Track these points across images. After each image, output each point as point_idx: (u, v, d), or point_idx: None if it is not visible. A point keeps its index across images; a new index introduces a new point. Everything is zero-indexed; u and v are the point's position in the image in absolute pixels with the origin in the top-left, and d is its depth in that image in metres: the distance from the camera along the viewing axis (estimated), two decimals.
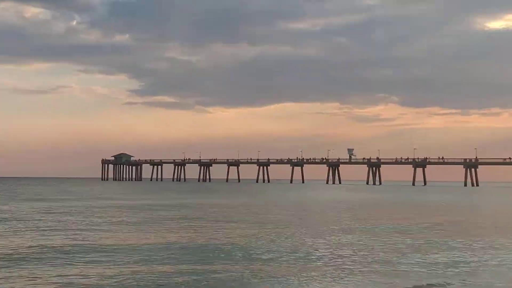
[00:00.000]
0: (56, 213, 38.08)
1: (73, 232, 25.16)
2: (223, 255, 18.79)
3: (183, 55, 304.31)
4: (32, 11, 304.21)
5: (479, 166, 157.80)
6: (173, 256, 18.47)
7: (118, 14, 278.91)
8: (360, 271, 16.10)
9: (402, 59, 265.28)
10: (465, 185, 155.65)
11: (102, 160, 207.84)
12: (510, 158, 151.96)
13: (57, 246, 20.28)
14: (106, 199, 62.57)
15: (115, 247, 20.42)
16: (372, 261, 18.00)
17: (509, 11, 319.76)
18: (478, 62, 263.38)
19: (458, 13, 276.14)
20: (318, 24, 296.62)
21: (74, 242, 21.76)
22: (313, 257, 18.67)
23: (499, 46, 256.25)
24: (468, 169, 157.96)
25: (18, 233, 24.83)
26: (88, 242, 21.67)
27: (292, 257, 18.43)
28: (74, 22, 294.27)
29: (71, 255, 18.35)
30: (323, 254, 19.42)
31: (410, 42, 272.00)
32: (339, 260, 18.11)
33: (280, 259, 18.10)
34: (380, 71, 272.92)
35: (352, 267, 16.67)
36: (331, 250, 20.49)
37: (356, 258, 18.48)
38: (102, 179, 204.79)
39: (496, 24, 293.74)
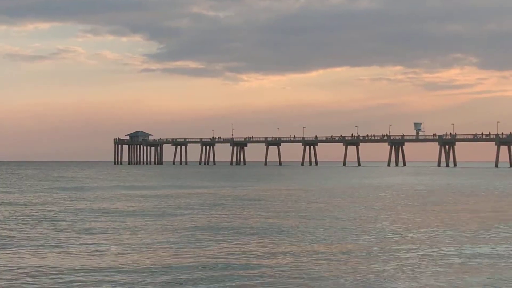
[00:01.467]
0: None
1: None
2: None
3: (210, 10, 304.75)
4: None
5: None
6: None
7: None
8: None
9: (480, 11, 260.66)
10: None
11: (115, 139, 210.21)
12: None
13: None
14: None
15: None
16: None
17: None
18: None
19: None
20: None
21: None
22: None
23: None
24: None
25: None
26: None
27: None
28: None
29: None
30: None
31: None
32: None
33: None
34: (453, 26, 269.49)
35: None
36: None
37: None
38: (115, 163, 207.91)
39: None
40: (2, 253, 19.74)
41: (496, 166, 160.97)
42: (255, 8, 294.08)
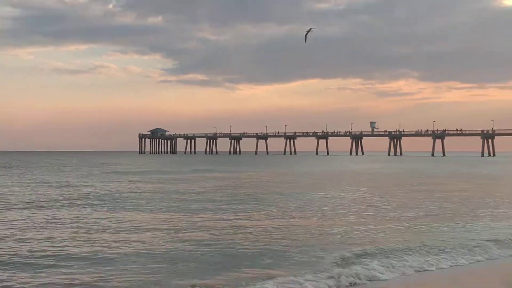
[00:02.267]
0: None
1: None
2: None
3: (212, 35, 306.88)
4: None
5: (495, 137, 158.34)
6: None
7: None
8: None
9: (421, 36, 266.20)
10: (482, 155, 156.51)
11: (139, 134, 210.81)
12: None
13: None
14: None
15: None
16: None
17: None
18: (494, 38, 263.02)
19: None
20: (341, 4, 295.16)
21: None
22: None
23: None
24: (485, 140, 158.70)
25: None
26: None
27: None
28: (111, 5, 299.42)
29: None
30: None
31: (429, 19, 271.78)
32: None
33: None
34: (400, 48, 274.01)
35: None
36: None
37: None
38: (139, 153, 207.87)
39: None
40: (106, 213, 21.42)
41: (432, 155, 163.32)
42: (247, 34, 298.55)
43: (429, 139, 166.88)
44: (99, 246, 14.21)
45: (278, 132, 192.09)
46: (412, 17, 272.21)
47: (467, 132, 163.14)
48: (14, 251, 13.58)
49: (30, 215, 20.93)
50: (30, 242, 14.78)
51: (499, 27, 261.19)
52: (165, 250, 13.85)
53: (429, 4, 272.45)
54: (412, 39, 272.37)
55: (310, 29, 49.55)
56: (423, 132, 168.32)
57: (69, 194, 30.88)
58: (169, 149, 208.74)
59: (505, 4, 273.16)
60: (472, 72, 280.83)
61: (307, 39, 49.76)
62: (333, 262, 12.41)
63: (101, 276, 11.15)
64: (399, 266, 12.30)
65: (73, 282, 10.78)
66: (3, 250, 13.77)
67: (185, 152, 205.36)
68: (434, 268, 12.52)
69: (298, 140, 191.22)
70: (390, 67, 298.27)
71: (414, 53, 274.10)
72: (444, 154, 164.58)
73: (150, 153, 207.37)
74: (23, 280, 10.87)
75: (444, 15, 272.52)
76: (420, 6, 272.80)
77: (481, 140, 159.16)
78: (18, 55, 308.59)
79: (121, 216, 20.77)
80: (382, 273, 11.68)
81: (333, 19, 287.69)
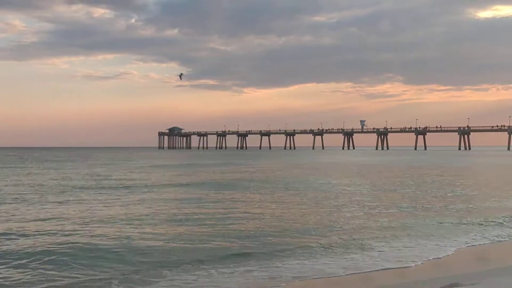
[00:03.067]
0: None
1: None
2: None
3: (221, 46, 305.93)
4: (99, 12, 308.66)
5: (471, 133, 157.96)
6: None
7: (168, 13, 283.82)
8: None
9: (404, 44, 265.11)
10: (459, 149, 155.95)
11: (159, 132, 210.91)
12: (497, 126, 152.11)
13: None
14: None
15: None
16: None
17: (496, 3, 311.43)
18: (469, 46, 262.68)
19: (452, 5, 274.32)
20: (333, 17, 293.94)
21: None
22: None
23: (487, 32, 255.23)
24: (462, 136, 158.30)
25: None
26: None
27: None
28: (133, 20, 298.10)
29: None
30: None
31: (411, 30, 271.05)
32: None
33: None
34: (386, 55, 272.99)
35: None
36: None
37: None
38: (159, 148, 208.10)
39: (485, 14, 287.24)
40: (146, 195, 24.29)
41: (415, 149, 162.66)
42: (251, 44, 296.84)
43: (412, 135, 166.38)
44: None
45: (280, 129, 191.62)
46: (395, 28, 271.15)
47: (445, 129, 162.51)
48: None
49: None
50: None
51: (473, 37, 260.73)
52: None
53: (410, 17, 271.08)
54: (396, 47, 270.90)
55: (181, 74, 53.19)
56: (406, 129, 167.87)
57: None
58: (184, 145, 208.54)
59: (478, 16, 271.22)
60: (450, 76, 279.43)
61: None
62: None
63: None
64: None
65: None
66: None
67: (198, 148, 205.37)
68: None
69: (297, 137, 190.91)
70: (377, 72, 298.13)
71: (398, 60, 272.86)
72: (425, 148, 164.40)
73: (168, 148, 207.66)
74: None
75: (424, 26, 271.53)
76: (402, 18, 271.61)
77: (458, 136, 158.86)
78: (55, 64, 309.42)
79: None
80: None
81: (326, 31, 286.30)
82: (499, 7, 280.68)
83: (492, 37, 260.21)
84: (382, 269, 10.07)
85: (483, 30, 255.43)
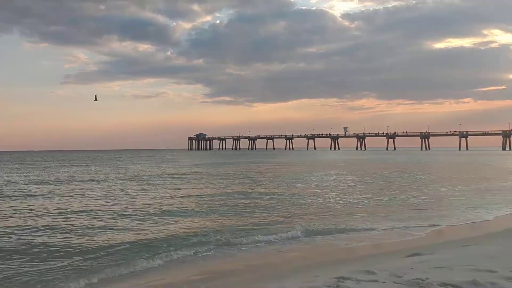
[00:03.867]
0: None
1: None
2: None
3: (236, 71, 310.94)
4: (143, 47, 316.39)
5: (430, 137, 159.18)
6: None
7: (195, 47, 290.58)
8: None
9: (377, 69, 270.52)
10: (421, 149, 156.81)
11: (188, 137, 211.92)
12: (450, 131, 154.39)
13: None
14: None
15: None
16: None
17: (448, 36, 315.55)
18: (428, 70, 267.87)
19: (413, 38, 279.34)
20: (322, 49, 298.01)
21: None
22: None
23: (441, 59, 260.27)
24: (423, 139, 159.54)
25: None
26: None
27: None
28: (169, 53, 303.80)
29: None
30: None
31: (382, 58, 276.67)
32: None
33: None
34: (363, 77, 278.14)
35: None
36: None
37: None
38: (188, 150, 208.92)
39: (439, 45, 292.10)
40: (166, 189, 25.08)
41: (387, 149, 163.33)
42: (259, 69, 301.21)
43: (384, 138, 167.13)
44: None
45: (281, 134, 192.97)
46: (370, 56, 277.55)
47: (410, 133, 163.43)
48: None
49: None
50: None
51: (430, 63, 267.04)
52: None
53: (381, 48, 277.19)
54: (371, 71, 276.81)
55: (95, 96, 57.09)
56: (380, 134, 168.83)
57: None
58: (208, 147, 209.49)
59: (434, 47, 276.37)
60: (413, 93, 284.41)
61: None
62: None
63: None
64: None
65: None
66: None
67: (218, 149, 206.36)
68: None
69: (295, 140, 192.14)
70: (356, 90, 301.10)
71: (373, 81, 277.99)
72: (395, 149, 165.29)
73: (195, 150, 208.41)
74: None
75: (392, 55, 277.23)
76: (375, 49, 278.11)
77: (420, 139, 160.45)
78: (110, 87, 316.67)
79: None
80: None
81: (317, 59, 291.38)
82: (451, 39, 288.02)
83: (445, 63, 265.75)
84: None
85: (438, 57, 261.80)
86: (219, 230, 11.09)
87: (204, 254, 9.19)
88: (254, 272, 7.21)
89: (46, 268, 7.93)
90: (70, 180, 27.95)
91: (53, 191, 20.97)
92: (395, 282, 4.54)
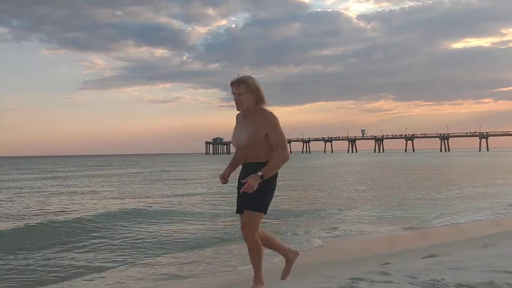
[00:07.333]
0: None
1: None
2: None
3: (251, 75, 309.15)
4: (159, 52, 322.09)
5: (450, 138, 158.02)
6: None
7: (211, 52, 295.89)
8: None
9: (394, 70, 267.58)
10: (440, 151, 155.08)
11: (205, 141, 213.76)
12: (470, 132, 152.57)
13: None
14: None
15: None
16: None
17: (466, 36, 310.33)
18: (446, 70, 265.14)
19: (431, 39, 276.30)
20: (338, 51, 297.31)
21: None
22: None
23: (459, 59, 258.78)
24: (443, 140, 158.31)
25: None
26: None
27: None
28: (185, 57, 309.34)
29: None
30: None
31: (399, 59, 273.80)
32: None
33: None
34: (380, 79, 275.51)
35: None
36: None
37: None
38: (206, 154, 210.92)
39: (457, 45, 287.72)
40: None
41: (405, 151, 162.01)
42: (275, 73, 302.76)
43: (403, 140, 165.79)
44: None
45: (298, 138, 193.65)
46: (386, 58, 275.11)
47: (429, 135, 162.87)
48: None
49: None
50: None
51: (448, 63, 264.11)
52: None
53: (398, 49, 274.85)
54: (387, 73, 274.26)
55: None
56: (398, 136, 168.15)
57: None
58: (224, 151, 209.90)
59: (452, 47, 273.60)
60: (431, 94, 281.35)
61: None
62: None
63: None
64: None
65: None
66: None
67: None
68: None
69: (312, 143, 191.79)
70: (373, 92, 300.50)
71: (390, 82, 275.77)
72: (413, 151, 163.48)
73: (212, 154, 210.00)
74: None
75: (409, 56, 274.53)
76: (392, 50, 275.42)
77: (439, 140, 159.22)
78: (127, 92, 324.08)
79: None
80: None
81: (333, 61, 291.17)
82: (468, 39, 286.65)
83: (463, 63, 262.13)
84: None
85: (456, 57, 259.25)
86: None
87: None
88: (268, 271, 6.96)
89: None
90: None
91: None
92: (409, 283, 4.43)
